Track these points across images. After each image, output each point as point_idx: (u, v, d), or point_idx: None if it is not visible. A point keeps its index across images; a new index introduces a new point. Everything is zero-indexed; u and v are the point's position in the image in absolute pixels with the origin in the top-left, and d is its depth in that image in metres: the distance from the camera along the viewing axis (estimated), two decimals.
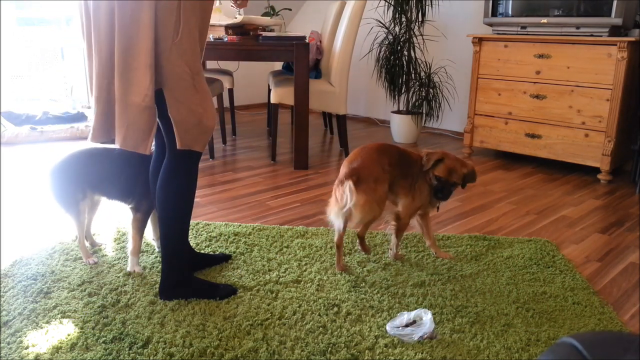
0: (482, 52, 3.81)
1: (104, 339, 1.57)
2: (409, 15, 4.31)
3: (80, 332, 1.61)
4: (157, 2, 1.53)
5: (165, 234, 1.77)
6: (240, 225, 2.48)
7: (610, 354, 0.63)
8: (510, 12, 3.71)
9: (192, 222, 2.46)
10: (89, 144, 1.86)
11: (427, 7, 4.33)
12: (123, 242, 2.28)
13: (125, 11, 1.53)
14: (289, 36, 3.58)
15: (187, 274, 1.85)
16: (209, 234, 2.37)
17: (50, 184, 2.04)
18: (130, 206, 2.03)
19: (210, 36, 3.67)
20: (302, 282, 1.96)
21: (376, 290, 1.90)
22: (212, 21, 3.35)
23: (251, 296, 1.84)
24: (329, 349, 1.55)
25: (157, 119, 1.65)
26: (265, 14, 4.75)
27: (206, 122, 1.68)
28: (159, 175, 1.75)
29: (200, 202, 2.86)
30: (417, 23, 4.36)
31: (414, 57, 4.40)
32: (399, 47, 4.40)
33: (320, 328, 1.66)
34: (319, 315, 1.73)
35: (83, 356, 1.49)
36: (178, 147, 1.65)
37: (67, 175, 2.02)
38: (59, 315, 1.69)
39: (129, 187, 1.99)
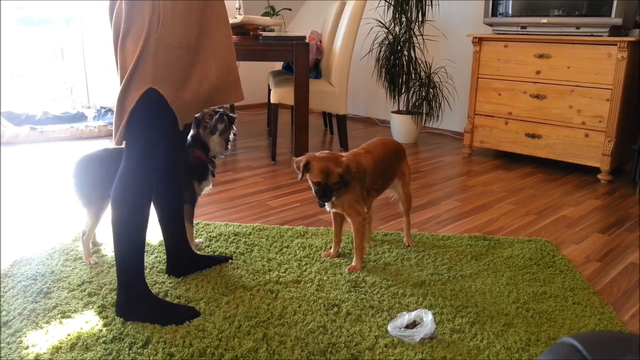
0: (482, 52, 3.81)
1: (104, 339, 1.57)
2: (409, 15, 4.31)
3: (80, 332, 1.61)
4: None
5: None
6: (240, 225, 2.48)
7: (610, 354, 0.63)
8: (510, 12, 3.71)
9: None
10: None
11: (427, 7, 4.33)
12: None
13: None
14: (289, 36, 3.58)
15: (145, 289, 1.73)
16: (209, 234, 2.36)
17: (77, 177, 1.99)
18: None
19: None
20: (302, 282, 1.96)
21: (376, 290, 1.90)
22: None
23: (251, 296, 1.84)
24: (329, 349, 1.55)
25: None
26: (265, 14, 4.74)
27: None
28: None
29: (200, 202, 2.84)
30: (417, 23, 4.36)
31: (414, 57, 4.40)
32: (399, 47, 4.40)
33: (320, 328, 1.66)
34: (319, 315, 1.73)
35: (83, 356, 1.49)
36: None
37: (100, 171, 1.98)
38: (59, 315, 1.69)
39: None
